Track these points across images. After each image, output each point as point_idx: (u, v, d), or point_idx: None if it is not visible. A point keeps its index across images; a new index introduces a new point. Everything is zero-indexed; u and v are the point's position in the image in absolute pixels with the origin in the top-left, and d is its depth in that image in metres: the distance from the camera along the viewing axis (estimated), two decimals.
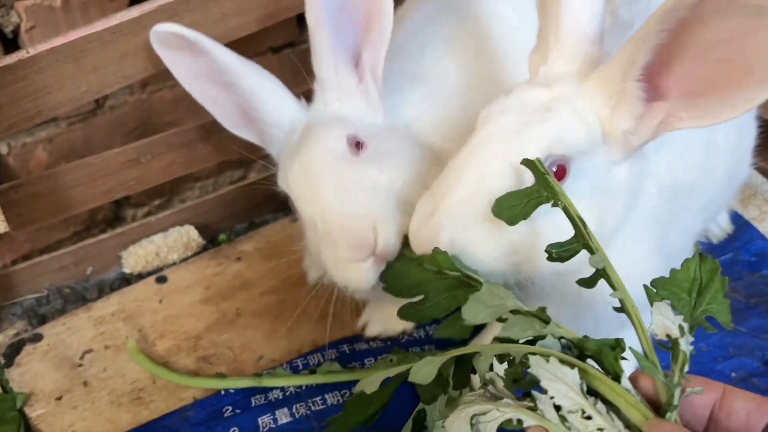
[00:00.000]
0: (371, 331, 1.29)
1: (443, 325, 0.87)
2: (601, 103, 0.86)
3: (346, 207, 0.94)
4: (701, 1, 0.73)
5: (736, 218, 1.47)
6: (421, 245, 0.86)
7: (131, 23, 1.18)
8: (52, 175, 1.32)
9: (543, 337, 0.75)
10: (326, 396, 1.18)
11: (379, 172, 0.98)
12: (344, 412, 0.98)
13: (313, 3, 1.01)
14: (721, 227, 1.44)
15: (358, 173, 0.98)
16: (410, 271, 0.87)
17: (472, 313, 0.78)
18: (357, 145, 1.01)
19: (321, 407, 1.17)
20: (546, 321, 0.76)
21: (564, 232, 0.80)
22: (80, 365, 1.28)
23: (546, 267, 0.84)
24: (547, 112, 0.85)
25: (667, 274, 0.79)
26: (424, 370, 0.79)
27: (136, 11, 1.19)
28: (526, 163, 0.80)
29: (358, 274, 0.93)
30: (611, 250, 0.85)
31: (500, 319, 0.79)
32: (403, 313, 0.88)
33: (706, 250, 1.41)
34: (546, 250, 0.79)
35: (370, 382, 0.87)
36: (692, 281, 0.77)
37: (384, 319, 1.29)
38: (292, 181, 1.01)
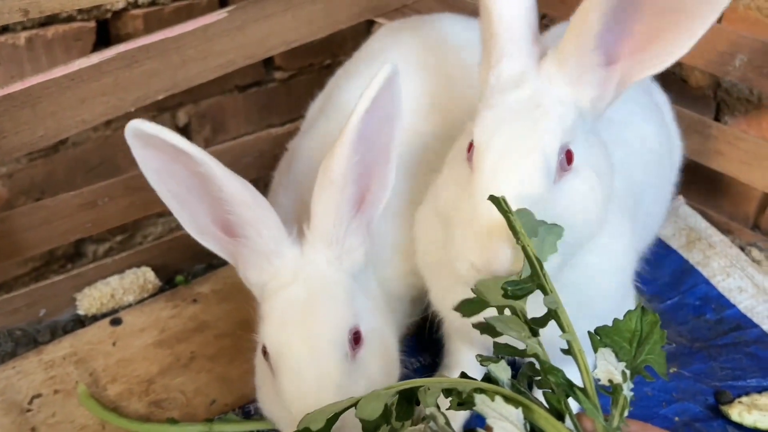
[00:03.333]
0: None
1: (459, 303, 0.88)
2: (566, 82, 0.93)
3: (323, 397, 0.92)
4: None
5: (681, 262, 1.53)
6: (488, 263, 0.86)
7: (90, 69, 1.20)
8: (7, 217, 1.31)
9: (522, 351, 0.79)
10: None
11: (364, 380, 0.97)
12: None
13: (346, 162, 0.98)
14: None
15: (348, 376, 0.96)
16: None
17: (485, 289, 0.81)
18: (355, 338, 0.99)
19: None
20: (535, 334, 0.80)
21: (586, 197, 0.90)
22: (29, 410, 1.26)
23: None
24: (537, 108, 0.91)
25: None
26: (371, 405, 0.80)
27: (95, 58, 1.21)
28: (493, 199, 0.82)
29: None
30: (599, 240, 0.95)
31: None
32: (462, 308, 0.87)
33: (654, 293, 1.46)
34: (502, 287, 0.82)
35: (314, 418, 0.87)
36: (633, 332, 0.81)
37: None
38: (282, 338, 0.98)
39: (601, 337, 0.80)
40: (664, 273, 1.50)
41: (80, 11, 1.53)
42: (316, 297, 0.99)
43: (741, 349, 1.34)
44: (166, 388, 1.30)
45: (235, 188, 0.98)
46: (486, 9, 0.96)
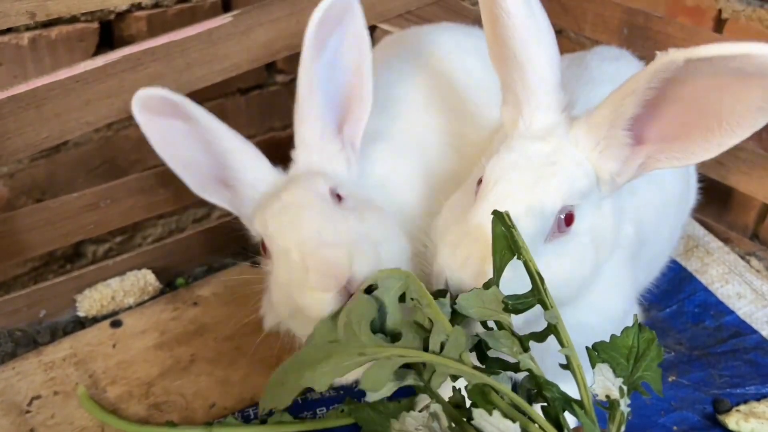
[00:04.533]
0: None
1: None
2: (591, 149, 0.96)
3: (324, 237, 0.96)
4: (686, 65, 0.82)
5: (679, 270, 1.53)
6: (466, 281, 0.88)
7: (96, 72, 1.20)
8: (9, 218, 1.31)
9: (515, 366, 0.79)
10: None
11: (359, 222, 1.02)
12: None
13: (306, 73, 1.10)
14: None
15: (338, 214, 1.02)
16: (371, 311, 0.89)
17: (467, 302, 0.83)
18: (338, 197, 1.06)
19: None
20: (526, 349, 0.80)
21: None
22: (28, 412, 1.26)
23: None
24: (553, 165, 0.94)
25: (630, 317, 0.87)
26: (376, 375, 0.81)
27: (100, 60, 1.21)
28: (497, 214, 0.85)
29: (321, 302, 0.94)
30: (597, 286, 0.97)
31: (484, 324, 0.83)
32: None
33: (652, 301, 1.46)
34: (503, 301, 0.83)
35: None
36: (630, 348, 0.82)
37: None
38: (270, 216, 1.03)
39: (598, 352, 0.81)
40: (662, 281, 1.49)
41: (84, 12, 1.53)
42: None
43: (740, 356, 1.34)
44: (165, 390, 1.30)
45: (215, 125, 1.11)
46: (518, 60, 0.97)
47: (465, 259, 0.88)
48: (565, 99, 0.99)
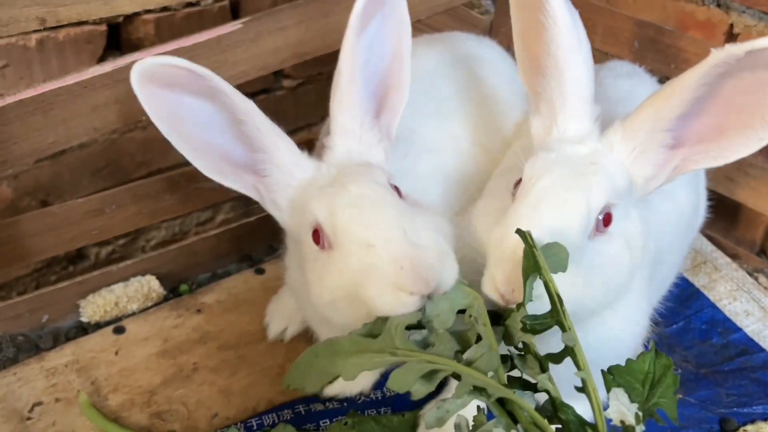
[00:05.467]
0: (331, 390, 1.29)
1: None
2: (626, 154, 0.97)
3: (412, 237, 0.92)
4: (746, 57, 0.83)
5: (687, 286, 1.52)
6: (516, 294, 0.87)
7: (103, 78, 1.19)
8: (14, 222, 1.31)
9: (534, 386, 0.78)
10: None
11: (432, 223, 0.98)
12: None
13: (349, 57, 1.07)
14: None
15: (412, 212, 0.98)
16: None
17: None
18: (397, 191, 1.02)
19: None
20: (544, 370, 0.80)
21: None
22: (29, 418, 1.24)
23: None
24: (593, 165, 0.94)
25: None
26: (402, 377, 0.82)
27: (108, 66, 1.20)
28: (519, 233, 0.84)
29: (404, 303, 0.89)
30: (625, 300, 0.97)
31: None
32: None
33: (660, 317, 1.45)
34: (521, 321, 0.83)
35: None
36: (646, 373, 0.81)
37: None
38: (340, 206, 0.97)
39: (614, 376, 0.80)
40: (669, 297, 1.49)
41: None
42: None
43: (747, 375, 1.33)
44: (168, 399, 1.29)
45: (249, 106, 1.02)
46: (558, 68, 0.98)
47: (514, 282, 0.86)
48: (598, 110, 1.00)
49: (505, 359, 0.83)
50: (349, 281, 0.93)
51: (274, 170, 1.06)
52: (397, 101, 1.12)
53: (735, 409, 1.26)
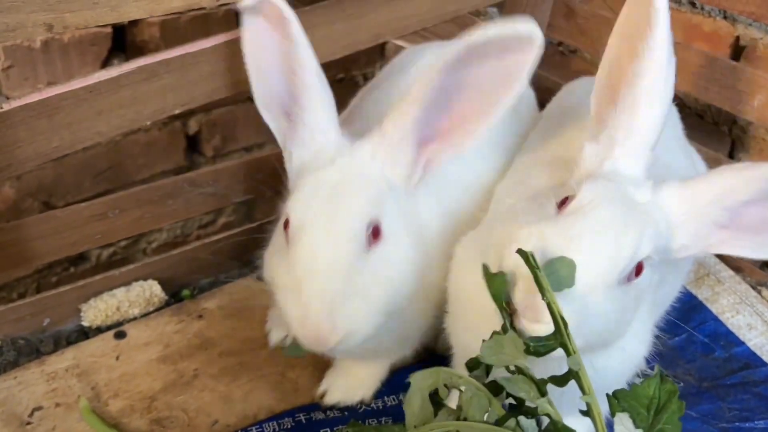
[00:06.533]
0: (331, 398, 1.29)
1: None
2: (681, 217, 0.96)
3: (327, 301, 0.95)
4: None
5: (689, 298, 1.52)
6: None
7: (109, 82, 1.19)
8: (16, 226, 1.30)
9: (534, 409, 0.78)
10: None
11: (385, 268, 1.01)
12: None
13: (427, 80, 1.02)
14: None
15: (366, 266, 0.99)
16: None
17: (488, 351, 0.82)
18: (375, 232, 1.01)
19: None
20: (543, 393, 0.79)
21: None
22: (29, 423, 1.24)
23: None
24: (645, 215, 0.93)
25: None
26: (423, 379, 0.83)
27: (114, 71, 1.20)
28: (521, 253, 0.83)
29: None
30: (623, 345, 0.98)
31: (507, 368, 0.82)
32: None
33: (661, 330, 1.44)
34: (524, 342, 0.82)
35: None
36: (651, 398, 0.81)
37: (346, 387, 1.29)
38: (305, 215, 1.01)
39: (619, 400, 0.80)
40: (672, 309, 1.49)
41: None
42: (346, 183, 1.04)
43: (749, 389, 1.33)
44: (168, 405, 1.28)
45: (308, 61, 1.09)
46: (635, 100, 0.98)
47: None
48: (652, 159, 0.99)
49: (498, 389, 0.82)
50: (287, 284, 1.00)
51: (300, 126, 1.11)
52: (449, 147, 1.08)
53: (737, 423, 1.26)
